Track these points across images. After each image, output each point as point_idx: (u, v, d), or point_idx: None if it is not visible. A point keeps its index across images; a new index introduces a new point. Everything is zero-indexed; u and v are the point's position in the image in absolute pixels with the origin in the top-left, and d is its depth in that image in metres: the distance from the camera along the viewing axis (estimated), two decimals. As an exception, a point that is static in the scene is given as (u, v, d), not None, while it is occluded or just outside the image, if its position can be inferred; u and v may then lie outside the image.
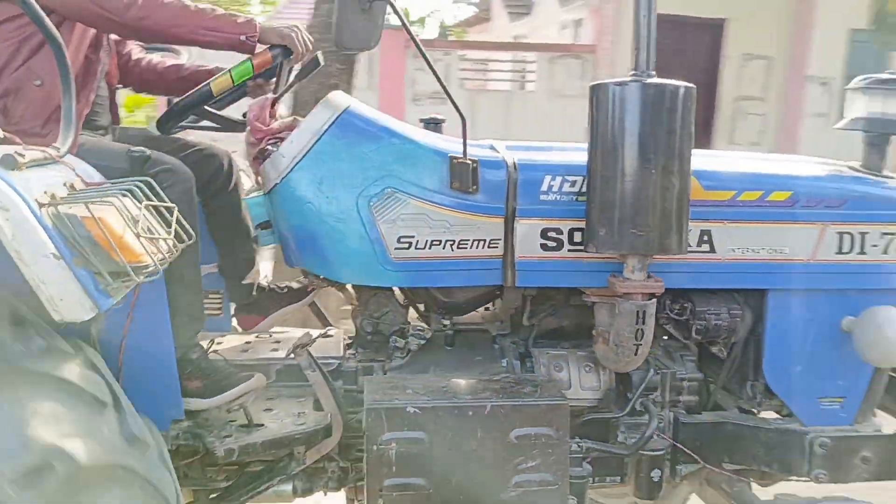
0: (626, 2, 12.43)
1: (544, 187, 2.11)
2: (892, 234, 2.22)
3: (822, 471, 2.24)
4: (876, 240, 2.21)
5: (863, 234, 2.21)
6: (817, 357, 2.27)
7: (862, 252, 2.21)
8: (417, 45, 2.01)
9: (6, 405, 1.39)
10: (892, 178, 2.32)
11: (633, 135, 1.89)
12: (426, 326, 2.39)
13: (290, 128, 2.13)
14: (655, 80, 1.90)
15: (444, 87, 2.05)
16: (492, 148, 2.23)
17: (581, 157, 2.06)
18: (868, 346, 2.16)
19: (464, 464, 1.92)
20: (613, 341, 2.05)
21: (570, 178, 2.11)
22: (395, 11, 1.93)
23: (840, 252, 2.21)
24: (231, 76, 2.15)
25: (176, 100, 2.30)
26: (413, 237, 2.07)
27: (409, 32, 2.02)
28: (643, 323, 2.00)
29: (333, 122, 2.06)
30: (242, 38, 2.06)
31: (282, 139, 2.11)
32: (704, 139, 12.85)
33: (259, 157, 2.16)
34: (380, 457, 1.88)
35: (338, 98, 2.15)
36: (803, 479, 2.28)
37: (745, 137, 12.89)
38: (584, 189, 2.07)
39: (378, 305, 2.29)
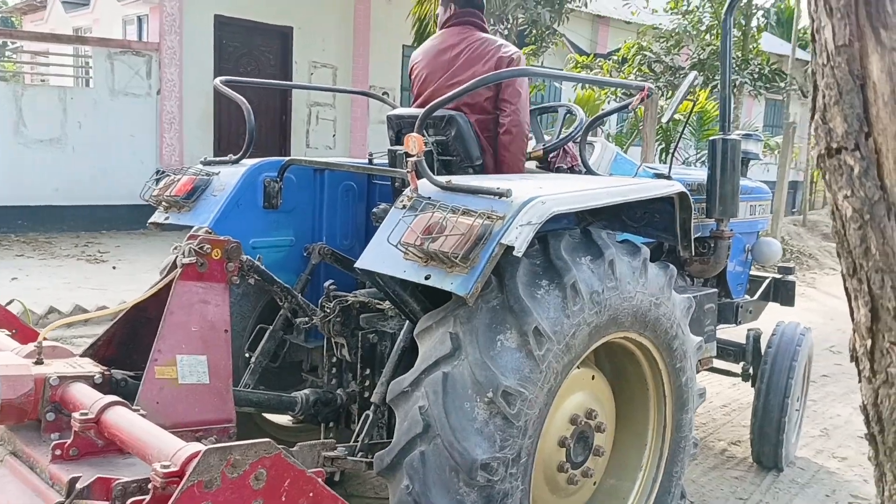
0: (188, 1, 12.08)
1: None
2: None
3: (741, 319, 4.63)
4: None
5: None
6: (736, 265, 4.68)
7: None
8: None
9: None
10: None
11: (724, 162, 3.93)
12: None
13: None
14: (731, 136, 3.95)
15: None
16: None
17: (695, 175, 4.34)
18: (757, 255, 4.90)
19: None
20: (713, 261, 4.01)
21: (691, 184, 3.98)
22: None
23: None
24: None
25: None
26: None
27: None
28: (729, 250, 4.05)
29: (615, 158, 4.02)
30: None
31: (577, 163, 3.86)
32: (282, 142, 13.20)
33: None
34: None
35: (608, 143, 4.19)
36: (731, 325, 4.64)
37: (319, 141, 13.65)
38: (698, 189, 4.02)
39: None
